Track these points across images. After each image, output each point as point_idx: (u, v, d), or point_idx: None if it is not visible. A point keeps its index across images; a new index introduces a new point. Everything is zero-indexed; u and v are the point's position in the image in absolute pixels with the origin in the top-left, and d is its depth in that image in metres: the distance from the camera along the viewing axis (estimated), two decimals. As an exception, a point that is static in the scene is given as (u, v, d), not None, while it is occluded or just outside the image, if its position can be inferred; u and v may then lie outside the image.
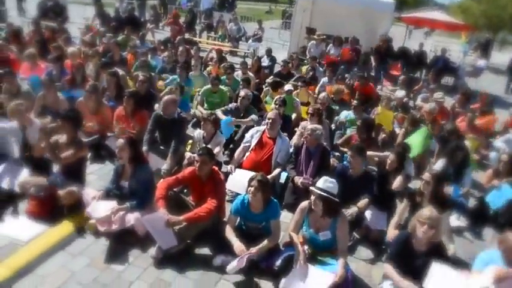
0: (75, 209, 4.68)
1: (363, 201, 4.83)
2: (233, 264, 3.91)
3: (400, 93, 9.27)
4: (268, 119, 5.86)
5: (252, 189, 4.03)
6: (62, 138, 4.97)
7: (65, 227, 4.53)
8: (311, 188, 4.04)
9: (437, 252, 3.79)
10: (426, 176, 4.68)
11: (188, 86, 8.11)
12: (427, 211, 3.72)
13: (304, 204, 4.16)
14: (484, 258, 3.78)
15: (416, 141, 6.79)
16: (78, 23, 15.17)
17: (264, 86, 9.43)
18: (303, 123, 6.70)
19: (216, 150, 5.69)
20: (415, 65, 14.58)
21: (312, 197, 3.99)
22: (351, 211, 4.69)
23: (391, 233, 4.60)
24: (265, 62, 11.89)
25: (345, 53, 12.47)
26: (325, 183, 3.95)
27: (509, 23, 22.48)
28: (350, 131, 7.23)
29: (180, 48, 9.89)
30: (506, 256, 3.59)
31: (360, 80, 10.00)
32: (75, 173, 4.93)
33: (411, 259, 3.76)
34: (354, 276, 4.17)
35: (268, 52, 12.21)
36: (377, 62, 12.99)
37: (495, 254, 3.73)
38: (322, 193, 3.89)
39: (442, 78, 14.51)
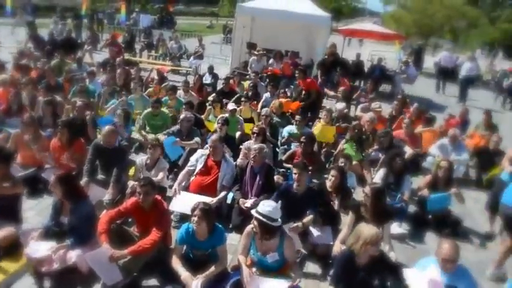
0: (13, 250, 4.42)
1: (308, 218, 4.92)
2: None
3: (340, 105, 9.56)
4: (210, 146, 5.87)
5: (195, 218, 4.00)
6: None
7: (3, 270, 4.27)
8: (251, 211, 4.08)
9: (380, 261, 3.92)
10: (366, 189, 4.84)
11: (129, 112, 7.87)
12: (367, 232, 3.79)
13: (249, 228, 4.19)
14: (422, 267, 3.93)
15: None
16: (10, 47, 14.57)
17: (207, 104, 9.42)
18: (246, 144, 6.74)
19: (159, 176, 5.65)
20: (354, 74, 15.12)
21: (254, 222, 4.03)
22: (295, 225, 4.77)
23: (338, 247, 4.70)
24: (207, 79, 11.91)
25: (286, 68, 12.70)
26: (264, 207, 3.99)
27: (438, 30, 23.86)
28: (294, 147, 7.37)
29: (118, 71, 9.72)
30: (442, 265, 3.75)
31: (298, 74, 10.18)
32: (10, 211, 4.67)
33: (354, 275, 3.86)
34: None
35: (210, 69, 12.25)
36: (323, 75, 13.24)
37: (432, 262, 3.89)
38: (261, 218, 3.93)
39: (380, 86, 15.16)
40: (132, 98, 8.81)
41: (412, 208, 6.39)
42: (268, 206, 4.01)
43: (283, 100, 9.41)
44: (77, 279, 4.22)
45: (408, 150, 7.39)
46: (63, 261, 4.16)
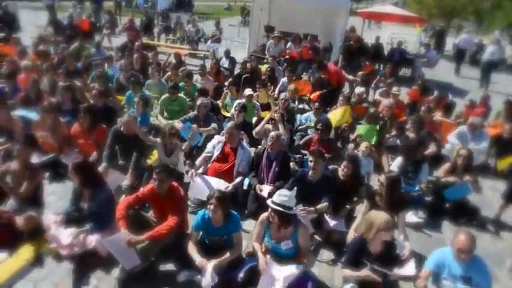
0: (35, 234, 4.58)
1: (322, 205, 4.96)
2: (207, 280, 3.94)
3: (359, 89, 9.50)
4: (226, 133, 5.92)
5: (211, 206, 4.07)
6: (14, 165, 4.85)
7: (26, 253, 4.43)
8: (267, 202, 4.11)
9: (390, 250, 3.96)
10: (381, 178, 4.83)
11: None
12: (379, 219, 3.82)
13: (263, 216, 4.24)
14: (436, 258, 3.93)
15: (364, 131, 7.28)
16: (30, 31, 14.74)
17: (224, 89, 9.43)
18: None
19: (180, 159, 5.74)
20: (373, 58, 14.90)
21: (270, 212, 4.07)
22: (308, 209, 4.83)
23: (351, 235, 4.72)
24: (224, 63, 11.88)
25: (305, 53, 12.58)
26: (280, 197, 4.03)
27: (462, 12, 23.21)
28: (311, 132, 7.36)
29: (136, 56, 9.78)
30: (457, 255, 3.75)
31: (319, 68, 9.97)
32: (32, 197, 4.82)
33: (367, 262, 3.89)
34: (316, 279, 4.30)
35: (227, 53, 12.17)
36: (346, 62, 12.99)
37: (447, 252, 3.89)
38: (277, 207, 3.98)
39: (400, 70, 14.93)
40: (149, 83, 8.88)
41: (428, 197, 6.35)
42: (283, 196, 4.04)
43: (300, 82, 9.30)
44: (97, 263, 4.35)
45: (431, 147, 7.20)
46: (83, 245, 4.32)
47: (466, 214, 5.96)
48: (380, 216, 3.85)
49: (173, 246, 4.45)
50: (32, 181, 4.80)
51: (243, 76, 10.08)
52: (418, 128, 7.26)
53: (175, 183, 4.64)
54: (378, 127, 7.34)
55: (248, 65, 10.67)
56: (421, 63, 15.02)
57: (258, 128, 6.95)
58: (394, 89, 9.40)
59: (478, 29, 27.02)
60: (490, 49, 15.26)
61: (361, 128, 7.49)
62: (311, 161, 5.14)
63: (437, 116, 8.51)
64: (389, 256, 3.97)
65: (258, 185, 5.56)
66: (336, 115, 7.96)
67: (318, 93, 9.45)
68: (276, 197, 4.06)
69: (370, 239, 3.85)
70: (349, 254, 4.09)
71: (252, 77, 10.08)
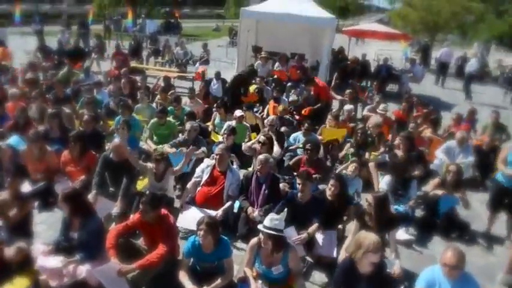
0: (25, 265, 4.48)
1: (313, 227, 4.98)
2: None
3: (348, 107, 9.60)
4: (216, 155, 5.93)
5: (201, 232, 4.07)
6: (4, 194, 4.84)
7: (15, 285, 4.35)
8: (259, 227, 4.13)
9: (379, 271, 3.94)
10: (369, 198, 4.87)
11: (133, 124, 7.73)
12: (368, 240, 3.81)
13: (253, 241, 4.26)
14: (426, 276, 3.94)
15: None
16: (20, 57, 14.76)
17: (213, 110, 9.45)
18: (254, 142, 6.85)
19: (170, 185, 5.73)
20: (361, 75, 15.10)
21: (261, 236, 4.09)
22: (302, 237, 4.84)
23: (343, 255, 4.72)
24: (215, 85, 11.82)
25: (293, 73, 12.69)
26: (272, 221, 4.05)
27: (445, 26, 23.67)
28: (300, 153, 7.41)
29: (123, 81, 9.84)
30: (446, 272, 3.76)
31: (307, 83, 10.16)
32: (21, 227, 4.80)
33: (356, 283, 3.89)
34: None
35: (217, 75, 12.09)
36: (339, 81, 13.07)
37: (437, 270, 3.90)
38: (271, 231, 4.00)
39: (387, 86, 15.14)
40: (139, 108, 8.91)
41: (418, 213, 6.40)
42: (274, 220, 4.07)
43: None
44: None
45: (418, 169, 7.25)
46: (73, 276, 4.26)
47: (456, 229, 6.01)
48: (369, 237, 3.86)
49: (164, 274, 4.40)
50: (21, 210, 4.79)
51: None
52: (408, 145, 7.32)
53: (164, 211, 4.63)
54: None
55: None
56: (407, 78, 15.26)
57: (248, 144, 6.98)
58: (381, 107, 9.52)
59: (462, 42, 27.58)
60: (470, 62, 15.79)
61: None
62: (299, 184, 5.19)
63: (427, 132, 8.63)
64: (380, 276, 3.96)
65: (249, 208, 5.56)
66: (333, 133, 8.06)
67: (309, 108, 9.59)
68: (267, 222, 4.08)
69: (358, 259, 3.85)
70: (338, 274, 4.09)
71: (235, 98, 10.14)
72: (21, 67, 11.63)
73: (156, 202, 4.51)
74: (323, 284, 4.81)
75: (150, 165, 5.96)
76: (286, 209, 4.69)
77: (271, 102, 9.68)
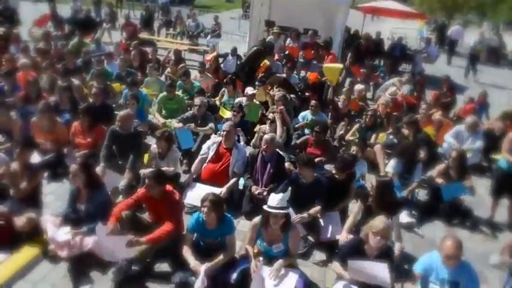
0: (34, 235, 4.66)
1: (314, 209, 5.04)
2: (198, 285, 4.01)
3: (359, 86, 9.50)
4: (223, 131, 5.96)
5: (205, 209, 4.15)
6: (14, 165, 4.94)
7: (24, 254, 4.52)
8: (265, 207, 4.18)
9: (386, 256, 4.00)
10: (373, 181, 4.89)
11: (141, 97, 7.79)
12: (380, 223, 3.87)
13: (256, 220, 4.33)
14: (424, 262, 4.01)
15: None
16: (31, 26, 14.76)
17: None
18: (262, 127, 6.83)
19: (171, 167, 5.77)
20: (374, 53, 14.90)
21: (270, 216, 4.14)
22: (302, 215, 4.92)
23: (344, 236, 4.79)
24: (230, 61, 11.69)
25: (307, 54, 12.56)
26: (273, 200, 4.12)
27: (464, 6, 23.11)
28: (308, 131, 7.42)
29: (133, 53, 9.83)
30: (444, 261, 3.82)
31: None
32: (31, 197, 4.91)
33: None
34: (308, 281, 4.39)
35: (234, 51, 11.95)
36: (353, 60, 12.85)
37: (435, 256, 3.95)
38: (276, 210, 4.07)
39: (400, 65, 14.91)
40: (148, 81, 8.94)
41: (422, 197, 6.42)
42: (277, 199, 4.13)
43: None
44: (93, 264, 4.44)
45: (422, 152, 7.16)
46: (80, 247, 4.38)
47: (459, 214, 6.03)
48: (378, 222, 3.92)
49: (169, 247, 4.51)
50: (31, 181, 4.89)
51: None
52: (414, 129, 7.28)
53: (169, 187, 4.71)
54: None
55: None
56: (421, 58, 15.00)
57: (253, 141, 6.99)
58: (392, 89, 9.43)
59: (480, 23, 26.90)
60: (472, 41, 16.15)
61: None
62: (300, 169, 5.24)
63: (436, 115, 8.54)
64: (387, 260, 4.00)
65: (253, 187, 5.62)
66: (332, 70, 8.52)
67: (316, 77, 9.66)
68: (271, 201, 4.15)
69: (364, 238, 3.94)
70: (343, 251, 4.17)
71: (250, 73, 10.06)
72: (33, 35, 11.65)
73: (161, 178, 4.58)
74: (323, 263, 4.89)
75: (152, 149, 6.01)
76: (289, 189, 4.76)
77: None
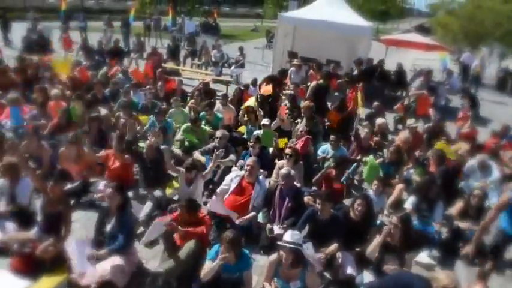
0: (57, 263, 4.77)
1: (332, 247, 5.07)
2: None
3: (380, 120, 9.53)
4: (247, 166, 6.09)
5: (223, 249, 4.30)
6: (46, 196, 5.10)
7: (47, 282, 4.62)
8: (278, 243, 4.26)
9: None
10: (394, 220, 4.90)
11: (167, 128, 8.19)
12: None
13: (273, 257, 4.42)
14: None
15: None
16: (63, 53, 15.42)
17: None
18: (280, 163, 6.91)
19: (199, 194, 6.03)
20: (395, 84, 14.97)
21: (282, 252, 4.23)
22: (320, 257, 4.96)
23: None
24: (252, 91, 11.82)
25: (332, 83, 12.72)
26: (292, 236, 4.21)
27: (487, 37, 22.99)
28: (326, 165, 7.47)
29: (159, 84, 10.13)
30: None
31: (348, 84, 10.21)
32: (57, 225, 5.07)
33: None
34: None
35: (254, 82, 12.26)
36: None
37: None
38: (290, 245, 4.15)
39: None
40: (172, 112, 9.19)
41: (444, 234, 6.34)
42: (295, 235, 4.27)
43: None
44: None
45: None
46: (100, 276, 4.49)
47: (481, 255, 5.92)
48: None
49: (191, 273, 4.62)
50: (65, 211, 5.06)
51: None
52: (439, 162, 7.28)
53: (203, 212, 5.07)
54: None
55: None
56: (444, 90, 14.97)
57: (272, 177, 6.94)
58: (411, 121, 9.45)
59: (506, 53, 26.66)
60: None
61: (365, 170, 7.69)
62: (318, 204, 5.28)
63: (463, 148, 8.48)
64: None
65: (268, 226, 5.69)
66: None
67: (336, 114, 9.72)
68: (287, 237, 4.24)
69: None
70: None
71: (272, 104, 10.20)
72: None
73: (192, 206, 4.89)
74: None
75: (182, 169, 6.19)
76: (307, 226, 4.84)
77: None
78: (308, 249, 4.77)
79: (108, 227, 4.81)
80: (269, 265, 4.44)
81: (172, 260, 4.60)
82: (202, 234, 4.79)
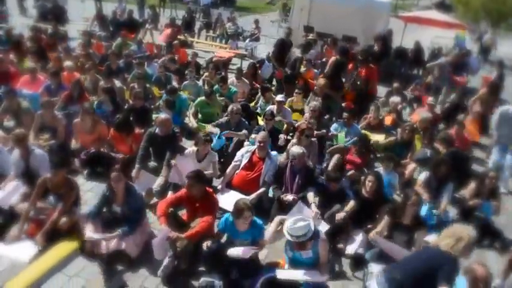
0: (72, 231, 4.92)
1: (349, 205, 5.32)
2: (238, 251, 4.37)
3: (396, 98, 9.38)
4: (259, 142, 6.09)
5: (234, 217, 4.36)
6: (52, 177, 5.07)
7: (62, 248, 4.78)
8: (284, 232, 4.28)
9: None
10: (414, 199, 4.91)
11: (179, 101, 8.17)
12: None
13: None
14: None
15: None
16: (78, 24, 15.37)
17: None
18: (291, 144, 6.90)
19: (210, 169, 6.02)
20: (412, 63, 14.73)
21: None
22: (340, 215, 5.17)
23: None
24: (268, 66, 11.71)
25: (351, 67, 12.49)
26: (293, 230, 4.20)
27: (508, 16, 22.36)
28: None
29: (176, 56, 10.12)
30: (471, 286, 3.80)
31: (361, 63, 9.95)
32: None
33: None
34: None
35: (269, 57, 11.97)
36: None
37: (461, 283, 3.91)
38: (293, 239, 4.20)
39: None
40: (186, 85, 9.20)
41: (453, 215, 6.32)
42: (297, 229, 4.19)
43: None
44: (125, 261, 4.70)
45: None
46: (115, 246, 4.62)
47: (489, 236, 5.93)
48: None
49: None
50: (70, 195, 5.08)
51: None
52: (447, 146, 7.21)
53: (210, 189, 5.00)
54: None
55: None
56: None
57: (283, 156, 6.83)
58: (430, 99, 9.31)
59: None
60: None
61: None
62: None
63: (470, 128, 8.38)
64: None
65: (282, 195, 5.76)
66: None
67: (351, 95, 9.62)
68: (291, 229, 4.21)
69: (458, 252, 3.85)
70: None
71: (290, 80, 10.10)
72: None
73: (200, 178, 4.83)
74: (345, 275, 4.98)
75: (187, 152, 6.22)
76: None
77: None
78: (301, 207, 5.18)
79: (118, 208, 4.87)
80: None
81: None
82: (208, 225, 4.67)
